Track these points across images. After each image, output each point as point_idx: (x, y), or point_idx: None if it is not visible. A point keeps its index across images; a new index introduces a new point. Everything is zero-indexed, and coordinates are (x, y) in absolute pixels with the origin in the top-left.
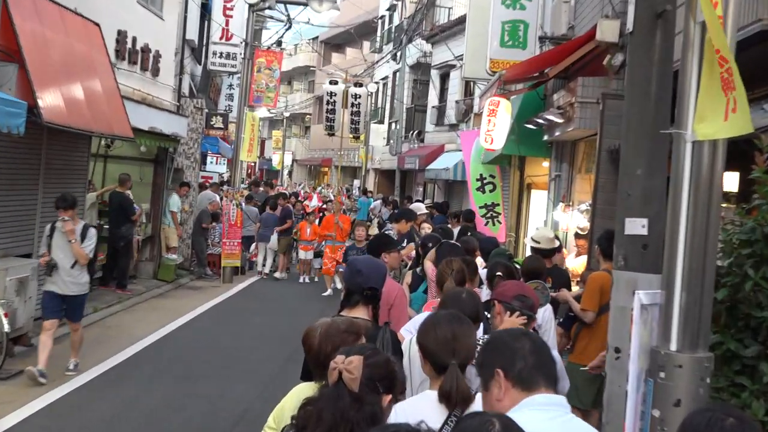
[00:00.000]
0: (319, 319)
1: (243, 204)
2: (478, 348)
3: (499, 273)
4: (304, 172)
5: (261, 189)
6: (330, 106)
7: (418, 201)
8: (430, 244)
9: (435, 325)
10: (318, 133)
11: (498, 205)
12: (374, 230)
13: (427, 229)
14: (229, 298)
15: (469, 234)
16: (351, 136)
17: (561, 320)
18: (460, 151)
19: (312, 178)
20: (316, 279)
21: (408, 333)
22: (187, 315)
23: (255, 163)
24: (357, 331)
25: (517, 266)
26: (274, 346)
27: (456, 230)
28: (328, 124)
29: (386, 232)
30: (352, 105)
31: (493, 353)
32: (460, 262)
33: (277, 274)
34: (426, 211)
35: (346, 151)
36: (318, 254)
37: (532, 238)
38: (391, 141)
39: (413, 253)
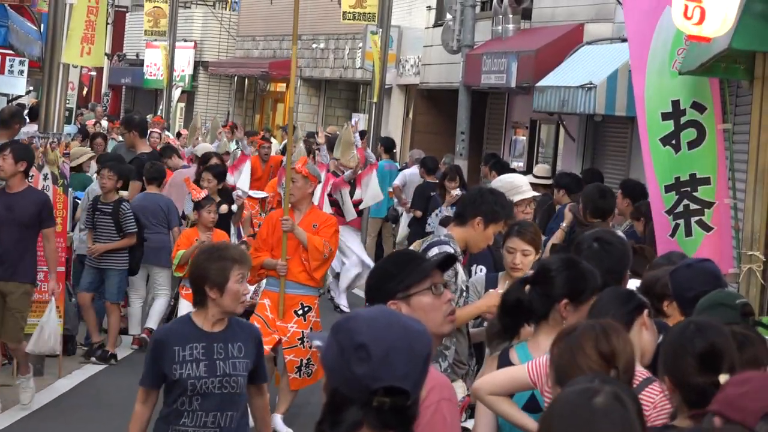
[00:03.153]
0: None
1: (68, 173)
2: None
3: None
4: (226, 95)
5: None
6: None
7: (512, 169)
8: (552, 276)
9: None
10: None
11: (706, 181)
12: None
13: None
14: (27, 417)
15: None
16: None
17: None
18: (622, 41)
19: (245, 109)
20: None
21: None
22: None
23: (98, 71)
24: None
25: None
26: None
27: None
28: None
29: (437, 247)
30: None
31: None
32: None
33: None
34: (532, 194)
35: (330, 38)
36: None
37: None
38: (448, 18)
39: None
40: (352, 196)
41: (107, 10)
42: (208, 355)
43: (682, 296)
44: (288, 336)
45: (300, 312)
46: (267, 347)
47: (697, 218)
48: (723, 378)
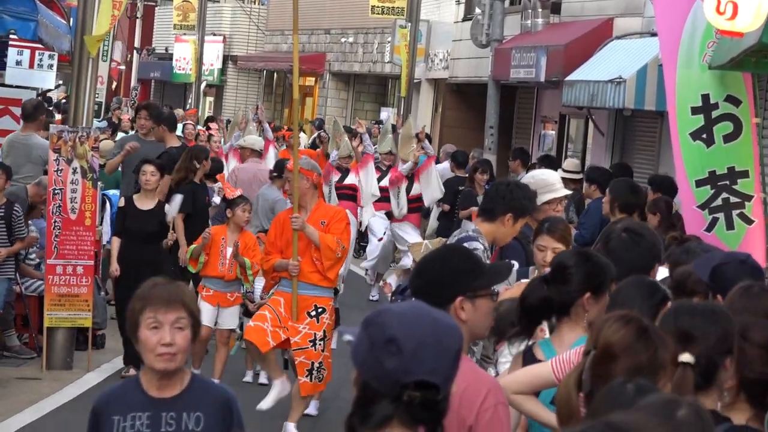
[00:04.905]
0: None
1: (96, 168)
2: None
3: None
4: (255, 89)
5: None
6: None
7: (542, 162)
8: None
9: None
10: None
11: (744, 174)
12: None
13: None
14: (56, 411)
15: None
16: None
17: None
18: (652, 35)
19: (274, 104)
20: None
21: None
22: None
23: (128, 65)
24: None
25: None
26: None
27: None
28: None
29: (466, 243)
30: None
31: None
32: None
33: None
34: (565, 192)
35: (359, 33)
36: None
37: None
38: (477, 12)
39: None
40: (409, 192)
41: (137, 4)
42: (153, 427)
43: (726, 290)
44: (299, 337)
45: (313, 313)
46: (272, 342)
47: (738, 211)
48: (685, 357)
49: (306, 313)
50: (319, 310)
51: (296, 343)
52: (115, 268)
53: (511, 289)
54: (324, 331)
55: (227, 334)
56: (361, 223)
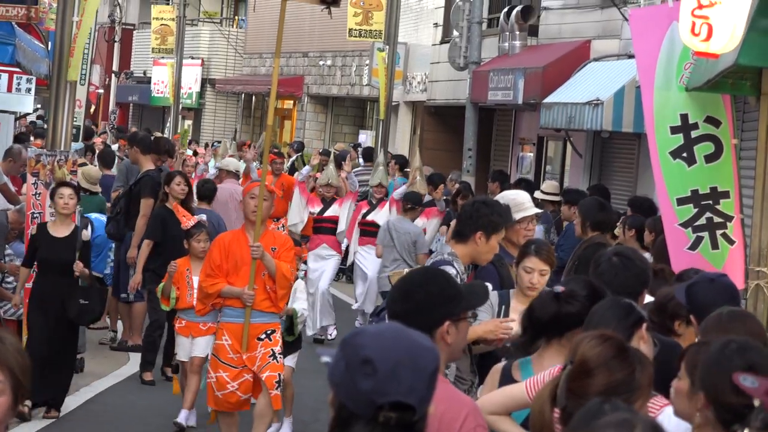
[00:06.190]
0: None
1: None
2: None
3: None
4: (233, 112)
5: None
6: None
7: (520, 183)
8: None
9: None
10: (267, 16)
11: (726, 194)
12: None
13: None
14: None
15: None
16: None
17: None
18: (629, 57)
19: (253, 127)
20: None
21: None
22: None
23: (106, 89)
24: None
25: None
26: None
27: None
28: None
29: (440, 267)
30: None
31: None
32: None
33: None
34: (535, 210)
35: (337, 55)
36: None
37: None
38: (455, 35)
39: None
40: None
41: (115, 28)
42: None
43: (703, 311)
44: (259, 359)
45: (263, 336)
46: (242, 394)
47: (721, 231)
48: (757, 401)
49: (256, 339)
50: (269, 331)
51: (259, 367)
52: (17, 300)
53: (481, 325)
54: (280, 345)
55: (199, 362)
56: (346, 258)
